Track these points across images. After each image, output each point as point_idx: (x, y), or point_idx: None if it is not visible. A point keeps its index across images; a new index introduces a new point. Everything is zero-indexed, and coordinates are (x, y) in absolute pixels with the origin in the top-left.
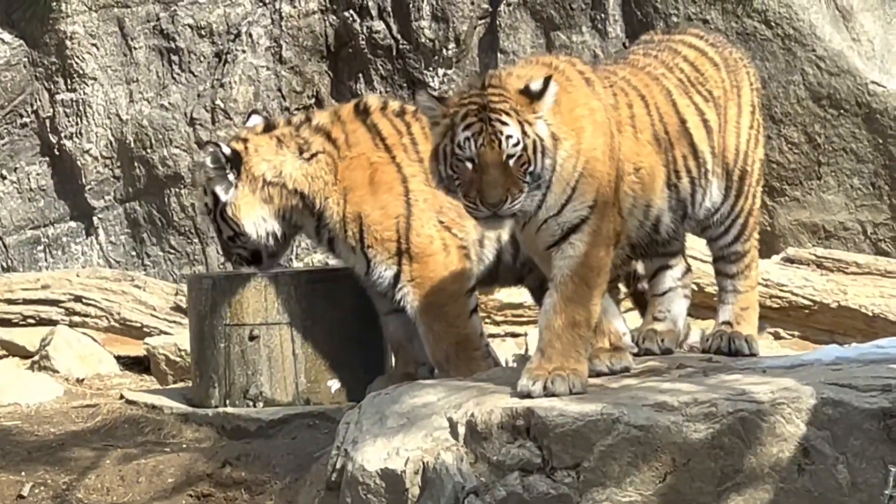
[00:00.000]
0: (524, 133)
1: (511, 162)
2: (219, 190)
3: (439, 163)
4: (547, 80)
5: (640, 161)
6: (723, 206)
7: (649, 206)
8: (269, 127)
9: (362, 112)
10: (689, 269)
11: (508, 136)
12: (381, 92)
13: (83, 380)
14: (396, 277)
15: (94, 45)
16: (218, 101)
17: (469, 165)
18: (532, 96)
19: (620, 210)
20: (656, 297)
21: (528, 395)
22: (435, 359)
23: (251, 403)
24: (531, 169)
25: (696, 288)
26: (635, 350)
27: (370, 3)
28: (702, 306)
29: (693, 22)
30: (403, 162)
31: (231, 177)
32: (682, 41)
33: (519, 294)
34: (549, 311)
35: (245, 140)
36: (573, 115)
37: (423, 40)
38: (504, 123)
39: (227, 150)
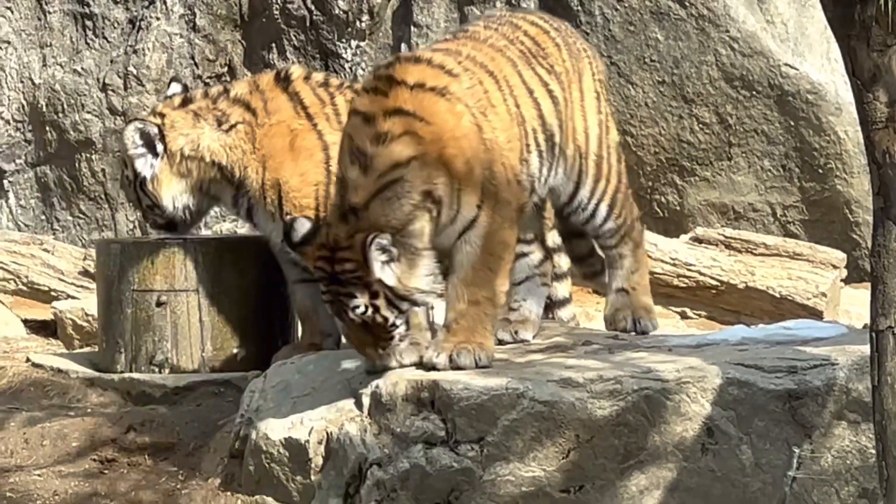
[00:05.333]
0: (372, 297)
1: (370, 324)
2: (139, 164)
3: None
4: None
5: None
6: (580, 191)
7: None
8: (186, 101)
9: (283, 80)
10: (547, 258)
11: (356, 307)
12: (293, 62)
13: None
14: None
15: (8, 8)
16: (131, 68)
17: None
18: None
19: (520, 182)
20: (512, 285)
21: (434, 368)
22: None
23: (157, 370)
24: (393, 320)
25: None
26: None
27: None
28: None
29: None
30: (325, 129)
31: (150, 153)
32: (524, 18)
33: None
34: (453, 290)
35: (162, 115)
36: (440, 151)
37: (336, 12)
38: (352, 296)
39: (151, 129)
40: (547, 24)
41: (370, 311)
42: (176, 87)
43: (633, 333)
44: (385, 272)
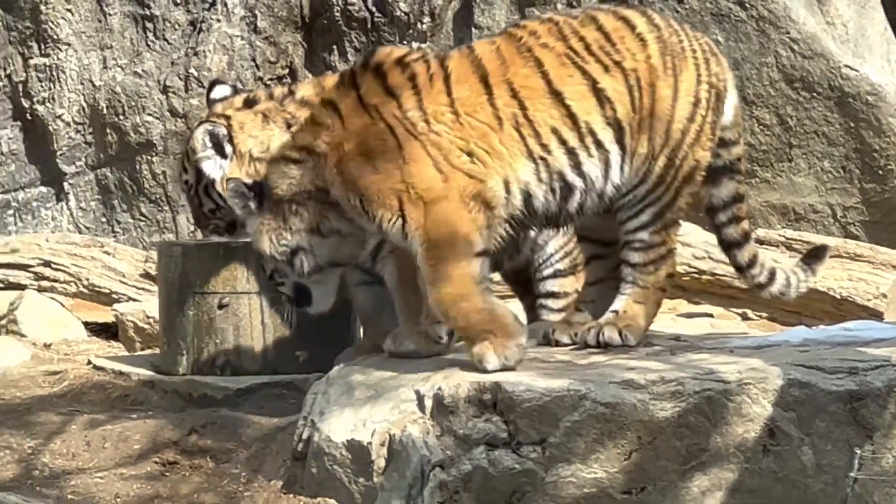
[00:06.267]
0: None
1: None
2: (206, 167)
3: None
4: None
5: (468, 146)
6: (638, 188)
7: (507, 181)
8: (249, 102)
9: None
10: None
11: None
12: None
13: (50, 345)
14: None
15: (68, 10)
16: (192, 70)
17: None
18: None
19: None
20: (588, 286)
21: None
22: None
23: (219, 372)
24: None
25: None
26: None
27: None
28: (707, 292)
29: (668, 2)
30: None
31: (219, 155)
32: (614, 12)
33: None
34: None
35: (227, 117)
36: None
37: (398, 13)
38: None
39: (220, 131)
40: (640, 19)
41: None
42: (225, 90)
43: (595, 347)
44: None
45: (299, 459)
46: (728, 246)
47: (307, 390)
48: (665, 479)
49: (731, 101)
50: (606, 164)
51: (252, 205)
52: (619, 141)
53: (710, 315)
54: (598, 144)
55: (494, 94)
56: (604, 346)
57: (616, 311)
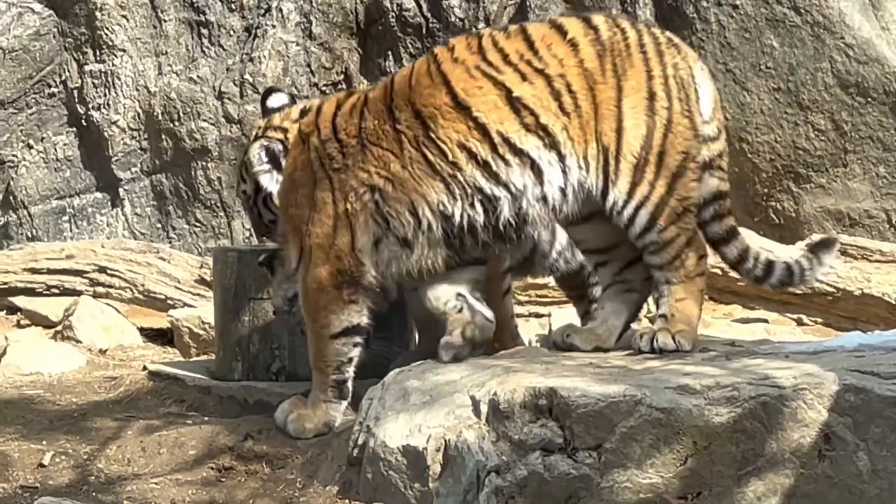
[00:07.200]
0: None
1: None
2: (264, 180)
3: None
4: None
5: (371, 179)
6: (611, 191)
7: (413, 204)
8: (305, 113)
9: None
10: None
11: None
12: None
13: (106, 351)
14: None
15: (123, 16)
16: (247, 76)
17: None
18: None
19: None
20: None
21: None
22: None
23: (274, 377)
24: None
25: (720, 272)
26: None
27: None
28: (725, 290)
29: (723, 7)
30: None
31: (276, 170)
32: (550, 21)
33: None
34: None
35: (284, 130)
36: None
37: (452, 19)
38: None
39: (276, 146)
40: (573, 25)
41: None
42: (283, 98)
43: (650, 353)
44: None
45: (355, 465)
46: (715, 243)
47: (363, 396)
48: (721, 485)
49: (707, 94)
50: (536, 170)
51: None
52: (553, 146)
53: (766, 321)
54: (518, 152)
55: (397, 118)
56: (658, 352)
57: (664, 316)
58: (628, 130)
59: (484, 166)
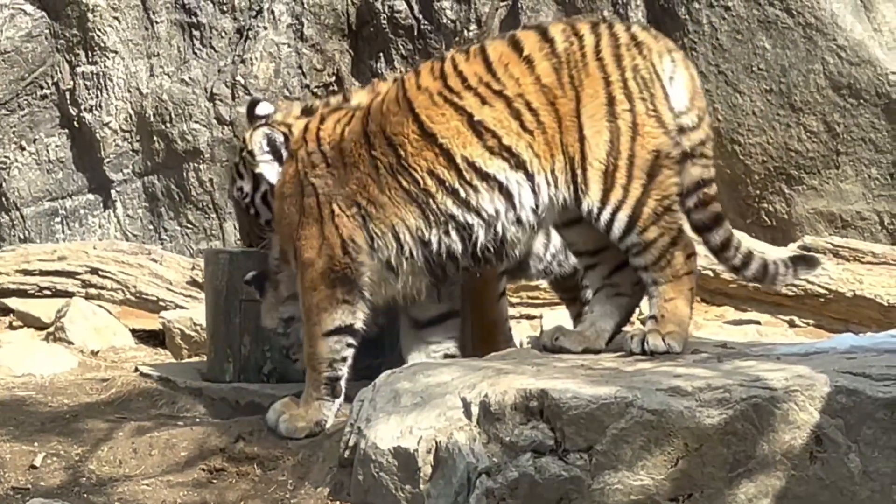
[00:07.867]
0: None
1: None
2: (265, 170)
3: None
4: None
5: (355, 197)
6: (584, 199)
7: (395, 229)
8: (307, 111)
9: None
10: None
11: None
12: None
13: (98, 352)
14: None
15: (115, 18)
16: (238, 78)
17: None
18: None
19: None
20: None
21: None
22: (460, 342)
23: (265, 379)
24: None
25: (711, 274)
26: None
27: None
28: (717, 292)
29: (715, 9)
30: None
31: (277, 161)
32: (509, 37)
33: None
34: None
35: (289, 125)
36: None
37: (444, 21)
38: None
39: (278, 136)
40: (529, 39)
41: None
42: (267, 107)
43: (641, 354)
44: None
45: (346, 466)
46: (699, 230)
47: (353, 397)
48: (712, 487)
49: (680, 85)
50: (506, 193)
51: None
52: (519, 166)
53: (758, 322)
54: (485, 177)
55: (373, 144)
56: (649, 354)
57: (655, 317)
58: (590, 139)
59: (454, 193)
